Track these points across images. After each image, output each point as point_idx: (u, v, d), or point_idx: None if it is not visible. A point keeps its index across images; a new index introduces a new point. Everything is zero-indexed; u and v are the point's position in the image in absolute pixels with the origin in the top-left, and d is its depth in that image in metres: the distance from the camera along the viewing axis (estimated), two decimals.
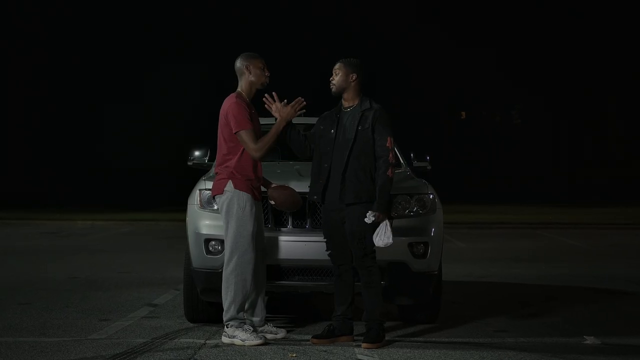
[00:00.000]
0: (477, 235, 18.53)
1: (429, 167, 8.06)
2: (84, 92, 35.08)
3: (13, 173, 33.97)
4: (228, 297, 6.11)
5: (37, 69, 34.64)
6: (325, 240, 6.24)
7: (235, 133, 6.12)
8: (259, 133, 6.23)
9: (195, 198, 6.72)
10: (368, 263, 6.09)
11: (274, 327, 6.36)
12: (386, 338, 6.17)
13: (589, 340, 6.37)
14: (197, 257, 6.55)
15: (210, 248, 6.50)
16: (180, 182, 15.66)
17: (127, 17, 35.46)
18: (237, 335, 6.05)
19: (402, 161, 7.84)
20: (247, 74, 6.23)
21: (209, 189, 6.64)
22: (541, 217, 24.08)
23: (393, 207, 6.52)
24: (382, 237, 5.99)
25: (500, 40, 39.28)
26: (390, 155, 6.07)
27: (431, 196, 6.75)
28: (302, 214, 6.52)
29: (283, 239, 6.45)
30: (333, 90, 6.25)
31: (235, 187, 6.12)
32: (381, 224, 6.00)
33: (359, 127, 6.11)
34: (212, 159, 8.00)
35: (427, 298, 6.72)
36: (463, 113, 44.21)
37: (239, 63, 6.26)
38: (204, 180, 6.82)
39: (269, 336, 6.21)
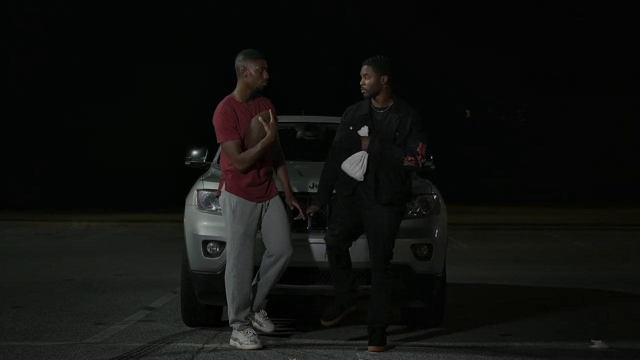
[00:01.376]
0: (481, 237, 18.50)
1: (432, 167, 8.03)
2: (81, 92, 35.09)
3: (7, 173, 33.96)
4: (229, 300, 6.15)
5: (33, 68, 34.65)
6: (332, 225, 6.09)
7: (219, 144, 6.16)
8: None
9: (193, 199, 6.68)
10: (388, 265, 6.08)
11: (265, 318, 6.30)
12: (388, 342, 6.15)
13: (597, 344, 6.34)
14: (195, 259, 6.52)
15: (208, 250, 6.47)
16: (178, 183, 15.63)
17: (126, 17, 35.50)
18: (237, 338, 6.07)
19: None
20: (243, 75, 6.16)
21: (207, 190, 6.62)
22: (547, 218, 24.06)
23: None
24: (352, 162, 5.98)
25: (504, 38, 39.28)
26: (419, 157, 6.03)
27: (435, 197, 6.72)
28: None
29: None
30: (365, 95, 6.15)
31: (226, 188, 6.14)
32: (361, 154, 6.00)
33: (397, 133, 6.05)
34: (210, 158, 7.98)
35: (430, 301, 6.68)
36: (467, 112, 44.21)
37: (237, 61, 6.19)
38: (202, 180, 6.79)
39: (254, 324, 6.24)
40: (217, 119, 6.11)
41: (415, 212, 6.59)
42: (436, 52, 38.10)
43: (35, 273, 10.97)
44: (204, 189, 6.65)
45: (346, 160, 6.06)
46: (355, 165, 6.01)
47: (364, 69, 6.13)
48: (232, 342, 6.13)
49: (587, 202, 32.76)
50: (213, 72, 34.42)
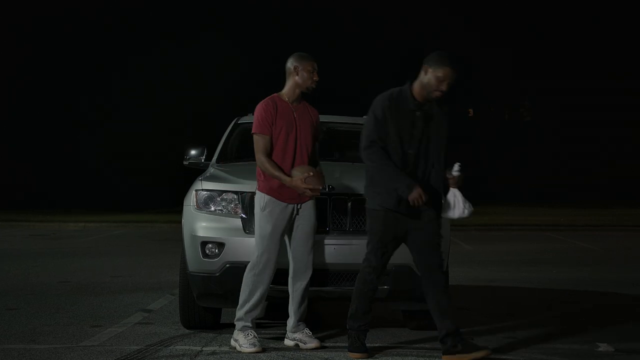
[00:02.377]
0: (484, 238, 18.51)
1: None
2: (75, 90, 35.09)
3: (2, 173, 33.97)
4: (242, 296, 6.19)
5: (26, 65, 34.64)
6: (380, 246, 5.91)
7: (252, 134, 6.28)
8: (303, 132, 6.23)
9: (191, 199, 6.69)
10: (444, 268, 6.01)
11: (308, 336, 6.23)
12: (390, 345, 6.15)
13: (602, 347, 6.35)
14: (193, 260, 6.53)
15: (207, 251, 6.47)
16: (176, 183, 15.61)
17: (121, 16, 35.58)
18: (238, 340, 6.10)
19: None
20: (294, 74, 6.28)
21: (206, 190, 6.63)
22: (551, 218, 24.06)
23: None
24: (460, 205, 5.86)
25: (510, 33, 39.25)
26: None
27: None
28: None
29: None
30: (438, 98, 5.87)
31: (258, 188, 6.24)
32: (454, 192, 5.89)
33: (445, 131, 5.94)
34: (208, 158, 7.98)
35: None
36: (470, 110, 44.19)
37: (289, 63, 6.33)
38: (201, 180, 6.79)
39: (301, 345, 6.18)
40: (257, 110, 6.27)
41: None
42: (439, 48, 38.05)
43: (30, 275, 10.97)
44: (202, 189, 6.66)
45: (449, 211, 5.88)
46: (458, 208, 5.90)
47: (452, 75, 5.83)
48: (232, 342, 6.15)
49: (592, 202, 32.76)
50: (208, 70, 34.45)
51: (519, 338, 6.71)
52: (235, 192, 6.54)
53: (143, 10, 35.81)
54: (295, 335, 6.26)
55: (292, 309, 6.29)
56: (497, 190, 37.11)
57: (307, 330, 6.28)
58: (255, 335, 6.13)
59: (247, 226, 6.43)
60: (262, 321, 7.42)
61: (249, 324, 6.17)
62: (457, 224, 19.83)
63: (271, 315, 7.66)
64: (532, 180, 38.95)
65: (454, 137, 6.09)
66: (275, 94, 6.34)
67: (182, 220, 6.75)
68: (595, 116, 39.92)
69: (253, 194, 6.43)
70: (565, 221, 23.01)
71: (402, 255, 6.35)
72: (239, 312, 6.19)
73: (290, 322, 6.30)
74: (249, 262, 6.27)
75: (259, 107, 6.27)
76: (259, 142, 6.20)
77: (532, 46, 39.52)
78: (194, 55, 35.13)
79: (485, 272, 11.58)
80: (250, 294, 6.16)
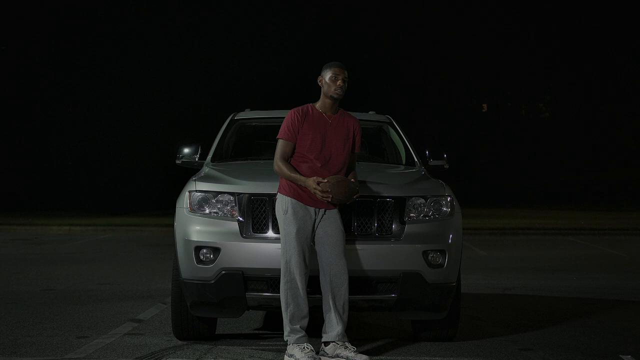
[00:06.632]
0: (500, 242, 18.51)
1: (446, 166, 8.05)
2: (63, 88, 35.15)
3: None
4: (283, 308, 6.22)
5: (11, 63, 34.72)
6: None
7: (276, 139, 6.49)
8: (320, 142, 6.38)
9: (184, 201, 6.69)
10: None
11: (354, 352, 6.16)
12: (397, 357, 6.14)
13: (626, 359, 6.35)
14: (187, 266, 6.53)
15: (201, 257, 6.48)
16: (168, 183, 15.64)
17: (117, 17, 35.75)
18: (293, 354, 6.10)
19: (415, 160, 7.83)
20: (320, 84, 6.55)
21: (200, 191, 6.64)
22: (572, 222, 24.05)
23: (406, 211, 6.50)
24: None
25: (527, 25, 39.28)
26: None
27: (449, 199, 6.73)
28: None
29: (275, 247, 6.40)
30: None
31: (279, 190, 6.36)
32: None
33: None
34: (202, 157, 7.99)
35: (444, 312, 6.70)
36: (485, 105, 44.17)
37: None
38: (194, 181, 6.79)
39: None
40: (286, 116, 6.50)
41: (428, 216, 6.59)
42: (446, 42, 38.12)
43: (12, 282, 10.99)
44: (196, 190, 6.66)
45: None
46: None
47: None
48: (286, 358, 6.13)
49: (617, 204, 32.73)
50: (203, 67, 34.52)
51: (535, 350, 6.72)
52: (232, 194, 6.55)
53: (142, 7, 35.95)
54: (339, 352, 6.16)
55: (333, 317, 6.22)
56: (513, 191, 37.10)
57: (350, 345, 6.19)
58: (312, 348, 6.12)
59: (244, 230, 6.44)
60: (260, 332, 7.44)
61: (302, 334, 6.17)
62: (470, 227, 19.85)
63: (270, 326, 7.68)
64: (552, 180, 38.93)
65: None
66: (310, 104, 6.56)
67: (175, 224, 6.75)
68: (619, 111, 39.92)
69: (251, 195, 6.46)
70: (586, 225, 23.01)
71: (410, 261, 6.36)
72: (286, 327, 6.19)
73: (334, 332, 6.22)
74: (246, 268, 6.29)
75: (288, 114, 6.48)
76: (279, 146, 6.42)
77: (553, 37, 39.56)
78: (193, 54, 35.24)
79: (500, 279, 11.59)
80: (288, 303, 6.18)
